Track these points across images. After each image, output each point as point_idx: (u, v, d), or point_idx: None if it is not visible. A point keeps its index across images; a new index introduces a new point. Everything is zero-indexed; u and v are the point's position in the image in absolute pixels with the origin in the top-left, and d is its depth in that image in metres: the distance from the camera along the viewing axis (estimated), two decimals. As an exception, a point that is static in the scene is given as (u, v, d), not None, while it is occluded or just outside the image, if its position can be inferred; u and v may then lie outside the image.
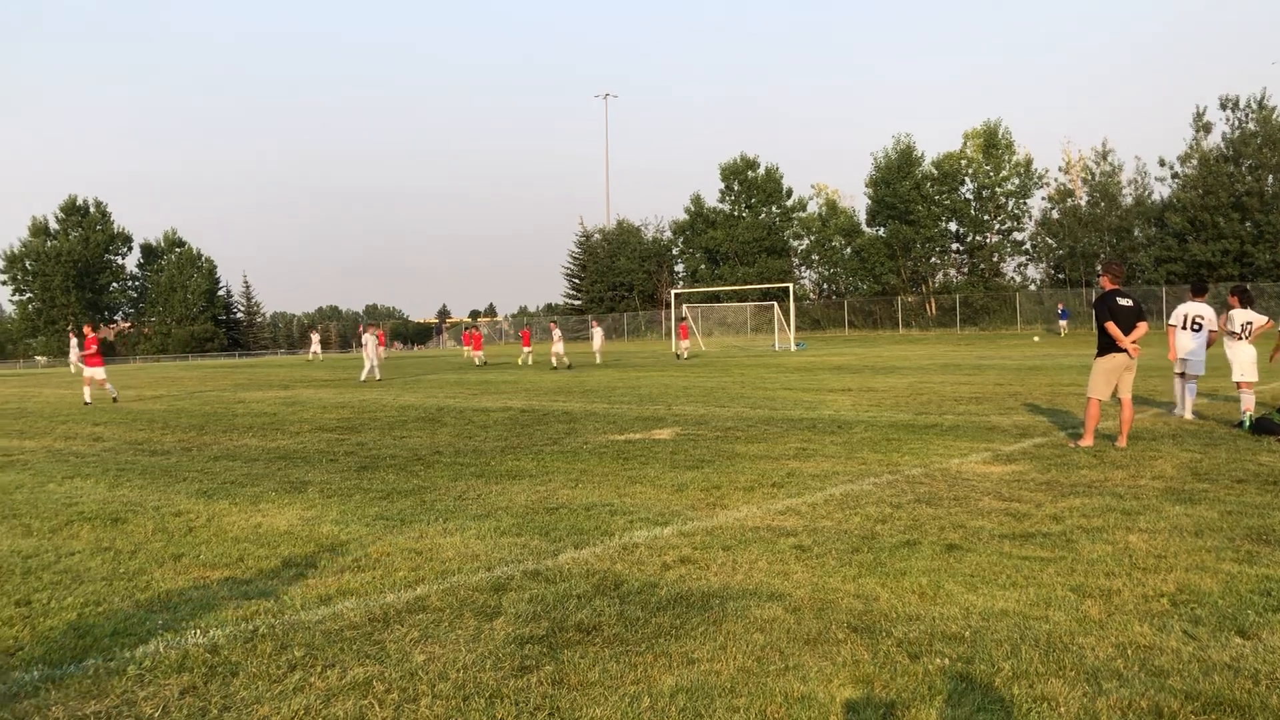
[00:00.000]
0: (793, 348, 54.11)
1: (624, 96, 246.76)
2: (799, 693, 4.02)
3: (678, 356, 40.65)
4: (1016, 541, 6.48)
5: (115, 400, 22.86)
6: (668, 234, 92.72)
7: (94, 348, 22.87)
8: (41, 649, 4.80)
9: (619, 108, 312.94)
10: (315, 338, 61.70)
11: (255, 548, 6.89)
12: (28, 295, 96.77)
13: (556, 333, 35.55)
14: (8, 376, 44.35)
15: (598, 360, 38.92)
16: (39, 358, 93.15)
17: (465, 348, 66.76)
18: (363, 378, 30.32)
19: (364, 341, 32.80)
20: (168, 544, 7.10)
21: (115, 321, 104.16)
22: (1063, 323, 55.94)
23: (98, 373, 22.77)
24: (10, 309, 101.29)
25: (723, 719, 3.82)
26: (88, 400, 22.50)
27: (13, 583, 6.09)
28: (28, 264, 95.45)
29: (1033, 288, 73.62)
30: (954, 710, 3.84)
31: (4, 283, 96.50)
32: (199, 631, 5.00)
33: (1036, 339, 52.00)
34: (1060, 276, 71.69)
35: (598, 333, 41.00)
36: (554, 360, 35.37)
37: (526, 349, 39.79)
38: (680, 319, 45.17)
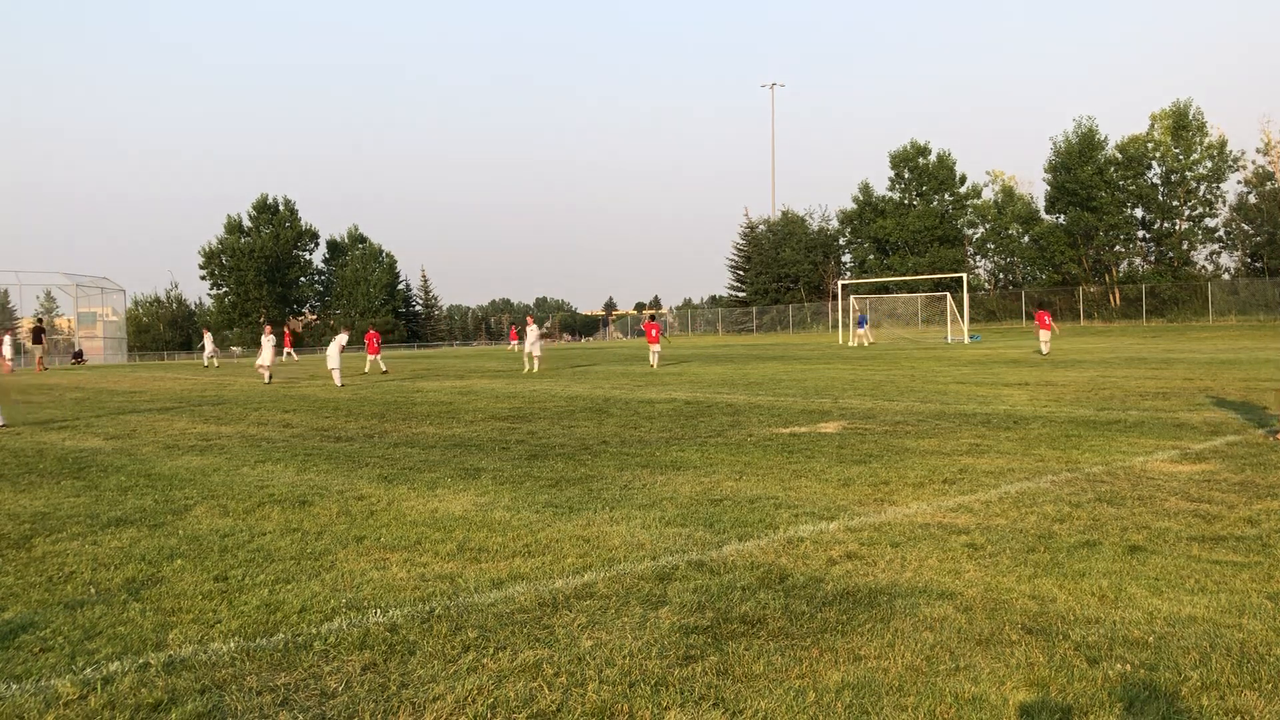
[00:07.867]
0: (966, 340, 52.71)
1: (790, 85, 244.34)
2: (970, 694, 3.92)
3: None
4: (1206, 545, 6.14)
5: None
6: (834, 224, 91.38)
7: None
8: (237, 622, 5.11)
9: (785, 96, 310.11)
10: (208, 337, 45.62)
11: (432, 531, 7.15)
12: (224, 289, 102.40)
13: (265, 340, 29.45)
14: (207, 366, 47.09)
15: (533, 368, 30.69)
16: (235, 348, 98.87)
17: (513, 343, 56.81)
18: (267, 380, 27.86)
19: (263, 342, 28.72)
20: (350, 526, 7.43)
21: (304, 314, 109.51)
22: (861, 330, 52.20)
23: None
24: (209, 302, 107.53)
25: (890, 717, 3.76)
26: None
27: (211, 559, 6.50)
28: (224, 259, 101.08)
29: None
30: (1136, 719, 3.68)
31: (203, 277, 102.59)
32: (379, 611, 5.22)
33: (866, 342, 50.43)
34: (1258, 265, 67.45)
35: (532, 331, 32.08)
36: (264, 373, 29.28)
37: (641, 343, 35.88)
38: (652, 318, 38.00)
